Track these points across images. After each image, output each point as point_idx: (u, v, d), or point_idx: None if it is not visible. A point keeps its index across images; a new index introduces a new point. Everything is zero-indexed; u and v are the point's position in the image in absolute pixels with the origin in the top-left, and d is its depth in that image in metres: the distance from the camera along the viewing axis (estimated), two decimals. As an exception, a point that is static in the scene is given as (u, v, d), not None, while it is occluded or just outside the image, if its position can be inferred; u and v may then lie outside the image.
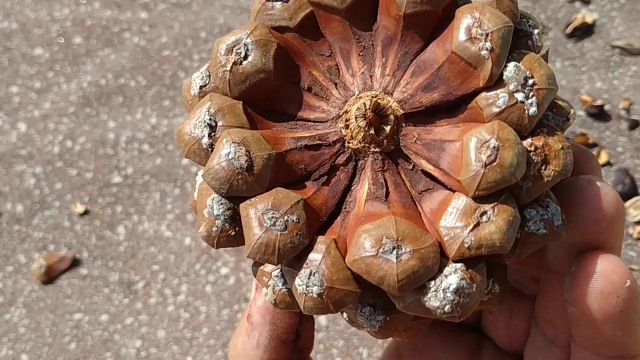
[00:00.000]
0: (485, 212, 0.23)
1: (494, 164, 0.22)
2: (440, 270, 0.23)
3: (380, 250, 0.23)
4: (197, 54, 1.23)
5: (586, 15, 1.18)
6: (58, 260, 1.04)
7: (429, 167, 0.25)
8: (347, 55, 0.26)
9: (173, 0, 1.31)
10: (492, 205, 0.23)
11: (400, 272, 0.22)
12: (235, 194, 0.24)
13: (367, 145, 0.25)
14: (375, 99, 0.24)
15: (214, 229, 0.24)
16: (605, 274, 0.24)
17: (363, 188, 0.25)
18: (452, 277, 0.23)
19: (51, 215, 1.08)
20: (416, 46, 0.25)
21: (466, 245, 0.23)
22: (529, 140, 0.24)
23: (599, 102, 1.08)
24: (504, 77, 0.24)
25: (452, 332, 0.32)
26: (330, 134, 0.25)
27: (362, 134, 0.24)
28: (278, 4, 0.26)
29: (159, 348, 0.97)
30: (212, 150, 0.24)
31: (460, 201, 0.23)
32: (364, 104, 0.24)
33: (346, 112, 0.25)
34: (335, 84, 0.26)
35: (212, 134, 0.25)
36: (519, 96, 0.23)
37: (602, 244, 0.25)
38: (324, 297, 0.23)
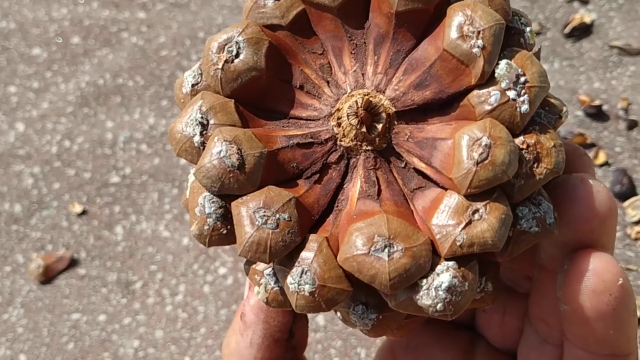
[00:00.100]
0: (477, 210, 0.23)
1: (486, 161, 0.22)
2: (432, 269, 0.23)
3: (372, 249, 0.22)
4: (195, 54, 1.23)
5: (584, 15, 1.18)
6: (56, 260, 1.04)
7: (421, 165, 0.25)
8: (339, 53, 0.26)
9: (171, 0, 1.31)
10: (484, 203, 0.23)
11: (392, 270, 0.22)
12: (226, 192, 0.24)
13: (359, 143, 0.25)
14: (367, 96, 0.24)
15: (206, 227, 0.24)
16: (597, 272, 0.24)
17: (355, 186, 0.25)
18: (444, 275, 0.23)
19: (49, 215, 1.08)
20: (408, 44, 0.25)
21: (458, 244, 0.23)
22: (521, 138, 0.24)
23: (597, 102, 1.08)
24: (496, 74, 0.24)
25: (446, 330, 0.32)
26: (322, 132, 0.25)
27: (354, 132, 0.24)
28: (270, 2, 0.26)
29: (157, 348, 0.97)
30: (203, 149, 0.24)
31: (452, 199, 0.23)
32: (356, 102, 0.24)
33: (338, 110, 0.25)
34: (328, 82, 0.26)
35: (204, 132, 0.24)
36: (511, 94, 0.23)
37: (594, 242, 0.25)
38: (316, 295, 0.23)
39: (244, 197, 0.24)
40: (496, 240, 0.22)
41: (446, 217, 0.23)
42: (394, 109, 0.25)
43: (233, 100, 0.25)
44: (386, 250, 0.22)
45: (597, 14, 1.20)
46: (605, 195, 0.25)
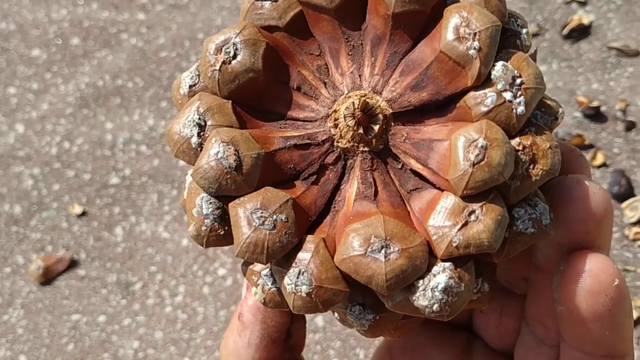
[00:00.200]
0: (473, 211, 0.23)
1: (482, 163, 0.23)
2: (429, 270, 0.23)
3: (369, 250, 0.23)
4: (194, 55, 1.23)
5: (583, 16, 1.18)
6: (56, 261, 1.04)
7: (418, 167, 0.25)
8: (336, 55, 0.26)
9: (171, 2, 1.31)
10: (480, 204, 0.23)
11: (389, 271, 0.22)
12: (224, 193, 0.24)
13: (356, 144, 0.25)
14: (364, 98, 0.24)
15: (203, 228, 0.24)
16: (593, 273, 0.24)
17: (352, 187, 0.25)
18: (441, 276, 0.23)
19: (49, 216, 1.09)
20: (405, 45, 0.25)
21: (454, 245, 0.23)
22: (517, 139, 0.24)
23: (595, 104, 1.08)
24: (492, 76, 0.24)
25: (443, 331, 0.32)
26: (319, 133, 0.25)
27: (350, 133, 0.25)
28: (267, 4, 0.26)
29: (157, 349, 0.97)
30: (201, 150, 0.24)
31: (448, 200, 0.23)
32: (353, 103, 0.24)
33: (335, 111, 0.25)
34: (325, 83, 0.26)
35: (201, 133, 0.25)
36: (507, 95, 0.23)
37: (590, 243, 0.25)
38: (313, 296, 0.23)
39: (242, 198, 0.24)
40: (492, 242, 0.23)
41: (442, 218, 0.23)
42: (390, 110, 0.25)
43: (230, 101, 0.25)
44: (383, 251, 0.22)
45: (595, 15, 1.20)
46: (601, 197, 0.25)
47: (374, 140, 0.25)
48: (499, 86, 0.24)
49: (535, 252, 0.27)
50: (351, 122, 0.24)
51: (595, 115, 1.08)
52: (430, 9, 0.25)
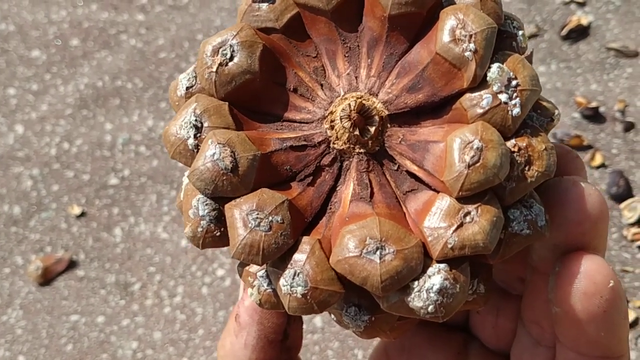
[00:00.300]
0: (468, 213, 0.23)
1: (478, 164, 0.23)
2: (424, 271, 0.23)
3: (364, 251, 0.23)
4: (193, 56, 1.23)
5: (581, 17, 1.18)
6: (55, 262, 1.04)
7: (414, 168, 0.25)
8: (333, 56, 0.26)
9: (170, 3, 1.31)
10: (475, 205, 0.23)
11: (384, 272, 0.22)
12: (220, 194, 0.24)
13: (352, 146, 0.25)
14: (360, 100, 0.24)
15: (199, 229, 0.24)
16: (588, 275, 0.24)
17: (348, 189, 0.25)
18: (436, 277, 0.23)
19: (48, 217, 1.09)
20: (401, 47, 0.25)
21: (449, 246, 0.23)
22: (513, 141, 0.24)
23: (594, 104, 1.08)
24: (488, 78, 0.24)
25: (440, 332, 0.32)
26: (315, 134, 0.25)
27: (347, 134, 0.25)
28: (264, 5, 0.26)
29: (155, 349, 0.97)
30: (197, 151, 0.25)
31: (444, 202, 0.23)
32: (349, 105, 0.24)
33: (331, 113, 0.25)
34: (321, 85, 0.26)
35: (198, 135, 0.25)
36: (503, 97, 0.24)
37: (586, 245, 0.25)
38: (308, 297, 0.23)
39: (237, 200, 0.24)
40: (487, 243, 0.23)
41: (438, 219, 0.23)
42: (386, 112, 0.25)
43: (227, 103, 0.25)
44: (378, 252, 0.23)
45: (594, 16, 1.20)
46: (596, 198, 0.25)
47: (370, 141, 0.25)
48: (495, 88, 0.24)
49: (531, 253, 0.27)
50: (347, 124, 0.24)
51: (594, 116, 1.08)
52: (427, 11, 0.25)
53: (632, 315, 0.92)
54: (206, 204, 0.24)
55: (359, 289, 0.23)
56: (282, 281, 0.24)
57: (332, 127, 0.25)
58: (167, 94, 1.18)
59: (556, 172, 0.24)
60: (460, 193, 0.23)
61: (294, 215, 0.24)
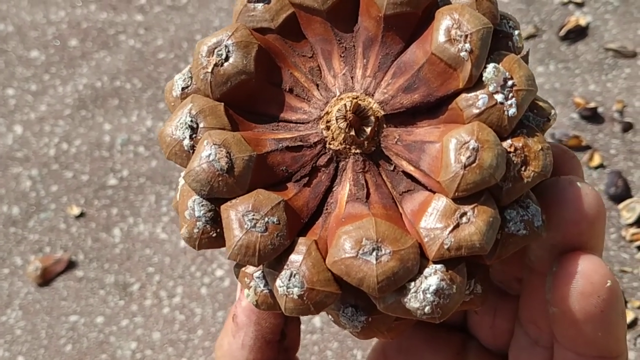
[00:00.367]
0: (465, 213, 0.23)
1: (474, 165, 0.23)
2: (420, 272, 0.23)
3: (360, 252, 0.23)
4: (192, 57, 1.23)
5: (580, 17, 1.18)
6: (54, 262, 1.04)
7: (410, 168, 0.25)
8: (328, 57, 0.26)
9: (169, 3, 1.31)
10: (471, 206, 0.23)
11: (380, 273, 0.22)
12: (216, 195, 0.24)
13: (348, 146, 0.25)
14: (355, 100, 0.24)
15: (195, 230, 0.24)
16: (585, 275, 0.24)
17: (344, 189, 0.25)
18: (432, 278, 0.23)
19: (47, 217, 1.09)
20: (397, 47, 0.25)
21: (446, 247, 0.23)
22: (509, 141, 0.24)
23: (592, 105, 1.08)
24: (484, 78, 0.24)
25: (438, 332, 0.32)
26: (311, 135, 0.25)
27: (342, 135, 0.25)
28: (260, 6, 0.26)
29: (154, 350, 0.97)
30: (193, 152, 0.24)
31: (440, 202, 0.23)
32: (345, 105, 0.24)
33: (327, 113, 0.25)
34: (317, 85, 0.26)
35: (194, 135, 0.25)
36: (499, 97, 0.23)
37: (583, 245, 0.25)
38: (305, 298, 0.23)
39: (233, 201, 0.24)
40: (484, 243, 0.23)
41: (434, 220, 0.23)
42: (382, 112, 0.25)
43: (223, 103, 0.25)
44: (374, 253, 0.22)
45: (592, 16, 1.20)
46: (593, 198, 0.25)
47: (366, 142, 0.25)
48: (491, 88, 0.24)
49: (528, 254, 0.27)
50: (343, 124, 0.24)
51: (592, 117, 1.08)
52: (422, 11, 0.25)
53: (630, 316, 0.92)
54: (202, 205, 0.24)
55: (356, 289, 0.23)
56: (278, 282, 0.23)
57: (328, 128, 0.25)
58: (166, 95, 1.18)
59: (553, 172, 0.24)
60: (456, 193, 0.23)
61: (290, 216, 0.24)
